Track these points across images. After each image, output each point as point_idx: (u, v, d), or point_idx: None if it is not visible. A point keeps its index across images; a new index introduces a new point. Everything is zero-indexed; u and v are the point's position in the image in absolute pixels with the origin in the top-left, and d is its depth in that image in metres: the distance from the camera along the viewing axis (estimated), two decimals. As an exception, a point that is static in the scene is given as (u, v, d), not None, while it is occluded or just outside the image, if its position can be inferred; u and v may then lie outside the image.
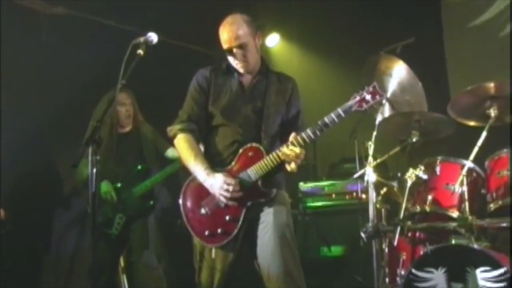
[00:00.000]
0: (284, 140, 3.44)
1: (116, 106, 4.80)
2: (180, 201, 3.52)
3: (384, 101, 4.32)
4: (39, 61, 5.39)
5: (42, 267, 5.74)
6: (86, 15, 5.56)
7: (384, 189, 4.30)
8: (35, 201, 5.49)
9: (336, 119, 3.33)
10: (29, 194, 5.43)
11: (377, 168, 4.17)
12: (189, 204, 3.51)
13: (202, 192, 3.45)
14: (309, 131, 3.35)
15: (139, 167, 4.88)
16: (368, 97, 3.37)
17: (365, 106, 3.37)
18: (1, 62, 5.15)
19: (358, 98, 3.37)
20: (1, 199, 4.79)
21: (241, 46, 3.48)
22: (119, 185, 4.82)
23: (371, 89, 3.39)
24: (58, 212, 5.81)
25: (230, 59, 3.55)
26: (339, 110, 3.34)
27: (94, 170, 2.94)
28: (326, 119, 3.34)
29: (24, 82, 5.37)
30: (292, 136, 3.35)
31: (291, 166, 3.37)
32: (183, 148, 3.52)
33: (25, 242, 5.37)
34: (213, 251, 3.44)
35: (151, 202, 4.90)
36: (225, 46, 3.50)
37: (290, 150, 3.32)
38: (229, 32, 3.47)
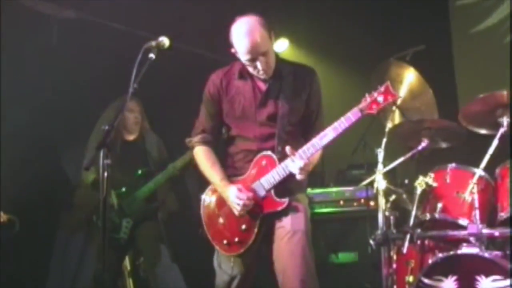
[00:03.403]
0: (307, 139, 3.33)
1: (125, 112, 4.78)
2: (201, 210, 3.54)
3: (394, 108, 4.32)
4: (48, 64, 5.40)
5: (47, 271, 5.73)
6: (96, 19, 5.56)
7: (393, 196, 4.29)
8: (41, 205, 5.48)
9: (346, 123, 3.21)
10: (35, 198, 5.42)
11: (386, 175, 4.14)
12: (209, 213, 3.53)
13: (221, 202, 3.47)
14: (307, 145, 3.26)
15: (140, 171, 4.88)
16: (380, 98, 3.20)
17: (376, 109, 3.21)
18: (10, 65, 5.15)
19: (369, 100, 3.21)
20: (8, 202, 4.78)
21: (264, 54, 3.31)
22: (123, 189, 4.82)
23: (383, 89, 3.21)
24: (64, 217, 5.80)
25: (250, 67, 3.39)
26: (349, 114, 3.22)
27: (105, 174, 2.92)
28: (336, 124, 3.24)
29: (33, 84, 5.37)
30: (289, 151, 3.23)
31: (298, 177, 3.31)
32: (201, 160, 3.55)
33: (30, 246, 5.36)
34: (232, 258, 3.44)
35: (155, 204, 4.91)
36: (246, 56, 3.31)
37: (294, 163, 3.23)
38: (251, 42, 3.27)
